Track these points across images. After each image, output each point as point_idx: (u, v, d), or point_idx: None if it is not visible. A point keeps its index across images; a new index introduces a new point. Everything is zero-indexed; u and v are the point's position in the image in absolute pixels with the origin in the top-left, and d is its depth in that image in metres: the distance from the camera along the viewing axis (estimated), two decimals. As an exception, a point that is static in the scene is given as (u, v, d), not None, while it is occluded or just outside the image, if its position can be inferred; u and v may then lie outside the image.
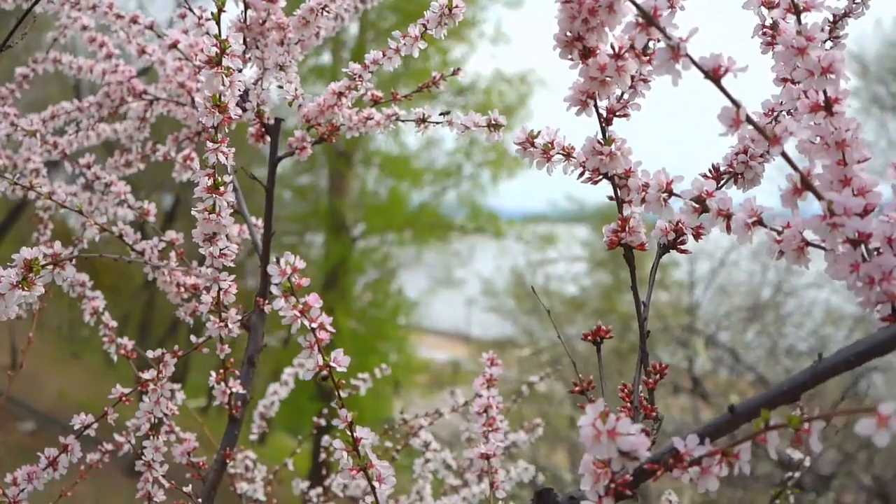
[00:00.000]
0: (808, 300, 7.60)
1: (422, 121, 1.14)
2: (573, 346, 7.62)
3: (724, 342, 7.30)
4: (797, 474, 1.23)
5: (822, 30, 0.84)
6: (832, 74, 0.64)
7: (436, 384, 10.44)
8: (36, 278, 0.80)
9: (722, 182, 0.83)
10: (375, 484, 0.79)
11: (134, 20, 1.27)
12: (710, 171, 0.83)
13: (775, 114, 0.83)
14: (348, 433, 0.79)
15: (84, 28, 1.35)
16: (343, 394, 1.69)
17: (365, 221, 10.93)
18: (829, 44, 0.84)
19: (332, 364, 0.78)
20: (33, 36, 1.44)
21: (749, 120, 0.61)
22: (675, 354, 7.02)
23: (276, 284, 0.75)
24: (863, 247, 0.63)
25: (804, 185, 0.62)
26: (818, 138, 0.66)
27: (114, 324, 1.28)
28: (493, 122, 1.06)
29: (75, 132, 1.40)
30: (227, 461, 1.18)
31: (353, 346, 9.53)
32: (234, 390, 1.14)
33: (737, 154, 0.82)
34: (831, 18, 0.85)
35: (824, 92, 0.65)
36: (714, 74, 0.61)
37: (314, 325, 0.76)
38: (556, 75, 8.40)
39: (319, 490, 1.67)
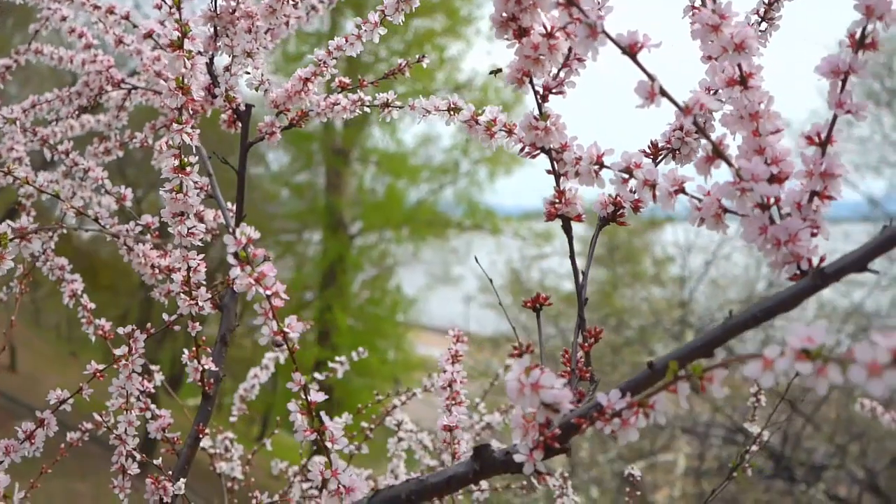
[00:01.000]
0: (802, 294, 7.61)
1: (385, 105, 1.18)
2: (567, 338, 7.66)
3: (717, 336, 7.31)
4: (754, 447, 1.27)
5: (757, 11, 0.89)
6: (745, 50, 0.68)
7: (433, 381, 10.45)
8: (4, 252, 0.84)
9: (660, 157, 0.87)
10: (328, 444, 0.82)
11: (110, 10, 1.31)
12: (648, 146, 0.87)
13: (711, 91, 0.86)
14: (303, 396, 0.83)
15: (63, 19, 1.39)
16: (321, 377, 1.71)
17: (362, 219, 10.97)
18: (763, 25, 0.88)
19: (287, 330, 0.81)
20: (28, 35, 1.48)
21: (663, 93, 0.65)
22: (667, 348, 7.07)
23: (233, 254, 0.78)
24: (775, 211, 0.67)
25: (716, 153, 0.66)
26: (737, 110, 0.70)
27: (92, 306, 1.32)
28: (452, 106, 1.10)
29: (55, 120, 1.44)
30: (200, 436, 1.21)
31: (351, 343, 9.58)
32: (206, 367, 1.18)
33: (674, 130, 0.86)
34: (766, 0, 0.89)
35: (739, 66, 0.68)
36: (630, 50, 0.65)
37: (269, 293, 0.80)
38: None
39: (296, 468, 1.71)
